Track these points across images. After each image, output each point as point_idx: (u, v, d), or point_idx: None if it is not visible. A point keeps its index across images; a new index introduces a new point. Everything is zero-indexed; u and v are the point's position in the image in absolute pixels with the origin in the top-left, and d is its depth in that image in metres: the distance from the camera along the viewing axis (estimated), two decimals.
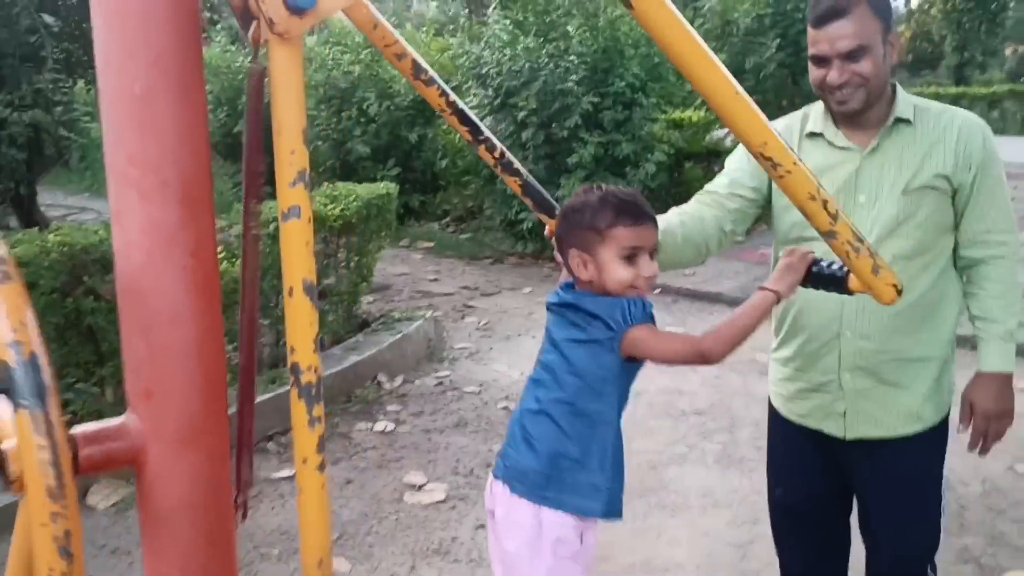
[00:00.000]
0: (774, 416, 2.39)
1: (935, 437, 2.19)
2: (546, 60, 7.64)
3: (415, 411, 4.56)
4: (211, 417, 1.24)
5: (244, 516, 1.42)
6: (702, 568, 3.19)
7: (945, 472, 2.23)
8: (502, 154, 1.59)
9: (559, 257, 1.78)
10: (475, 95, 8.18)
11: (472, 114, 1.53)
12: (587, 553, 1.74)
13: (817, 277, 1.62)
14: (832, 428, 2.19)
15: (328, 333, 5.20)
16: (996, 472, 3.89)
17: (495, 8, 8.43)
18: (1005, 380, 2.10)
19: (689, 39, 1.14)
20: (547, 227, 1.79)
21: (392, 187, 5.75)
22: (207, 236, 1.18)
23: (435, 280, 7.51)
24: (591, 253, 1.69)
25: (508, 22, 7.95)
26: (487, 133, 1.56)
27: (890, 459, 2.17)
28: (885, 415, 2.14)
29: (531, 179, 1.66)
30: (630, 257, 1.68)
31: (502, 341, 5.74)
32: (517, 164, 1.64)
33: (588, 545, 1.74)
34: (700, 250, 2.10)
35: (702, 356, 1.62)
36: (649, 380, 5.07)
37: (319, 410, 1.31)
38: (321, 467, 1.33)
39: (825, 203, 1.31)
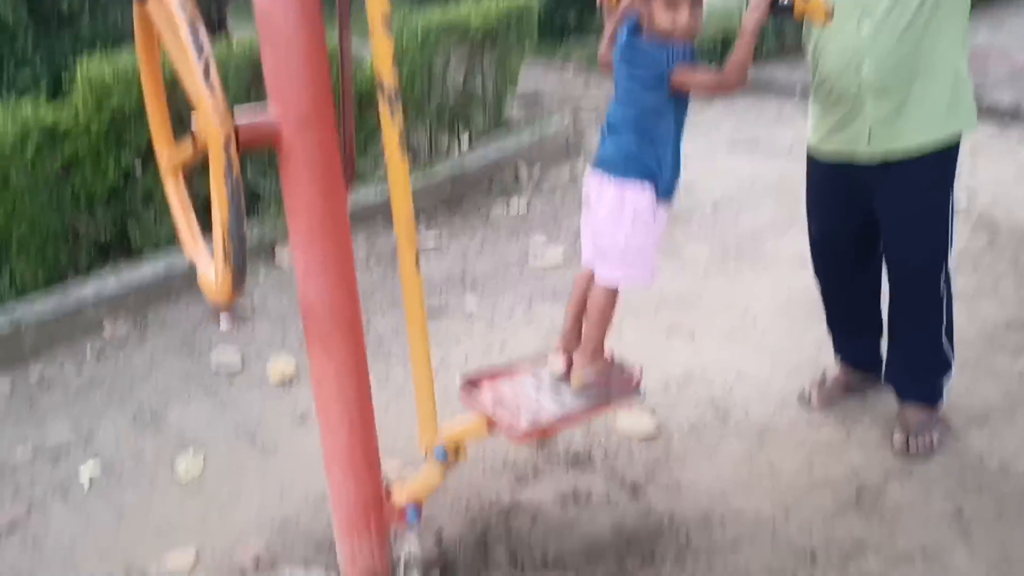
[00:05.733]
0: (811, 161, 2.79)
1: (945, 160, 2.54)
2: None
3: (547, 196, 5.15)
4: (318, 111, 1.87)
5: (351, 183, 2.06)
6: (776, 308, 3.67)
7: (953, 194, 2.59)
8: None
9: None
10: None
11: None
12: (658, 228, 2.27)
13: (776, 7, 2.19)
14: (860, 150, 2.57)
15: (475, 132, 5.81)
16: None
17: None
18: None
19: None
20: None
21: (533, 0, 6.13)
22: None
23: (584, 91, 7.90)
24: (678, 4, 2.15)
25: None
26: None
27: (903, 176, 2.54)
28: (904, 131, 2.49)
29: None
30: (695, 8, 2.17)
31: None
32: None
33: (659, 222, 2.27)
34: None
35: (720, 85, 2.19)
36: (768, 167, 5.41)
37: (398, 114, 1.93)
38: (402, 158, 1.97)
39: None
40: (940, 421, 2.78)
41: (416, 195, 4.97)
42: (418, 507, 2.16)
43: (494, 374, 2.43)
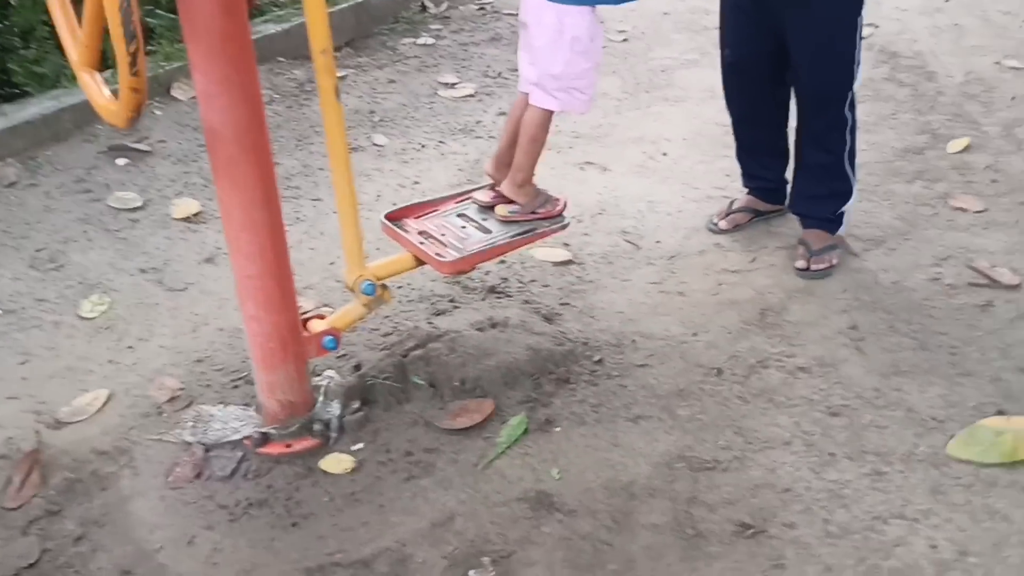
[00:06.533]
0: None
1: None
2: None
3: (455, 29, 4.99)
4: None
5: (252, 9, 1.95)
6: (687, 140, 3.69)
7: (861, 20, 2.60)
8: None
9: None
10: None
11: None
12: (595, 51, 2.21)
13: None
14: None
15: None
16: (983, 65, 4.18)
17: None
18: None
19: None
20: None
21: None
22: None
23: None
24: None
25: None
26: None
27: (810, 3, 2.54)
28: None
29: None
30: None
31: None
32: None
33: (596, 47, 2.21)
34: None
35: None
36: (681, 0, 5.33)
37: None
38: None
39: None
40: (840, 244, 2.88)
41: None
42: (336, 336, 2.17)
43: (417, 209, 2.39)
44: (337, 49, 4.67)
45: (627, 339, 2.55)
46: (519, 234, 2.28)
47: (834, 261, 2.81)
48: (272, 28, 4.49)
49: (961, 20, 4.77)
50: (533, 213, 2.32)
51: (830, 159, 2.78)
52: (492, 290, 2.75)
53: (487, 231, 2.28)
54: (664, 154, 3.61)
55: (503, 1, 5.37)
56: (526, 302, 2.70)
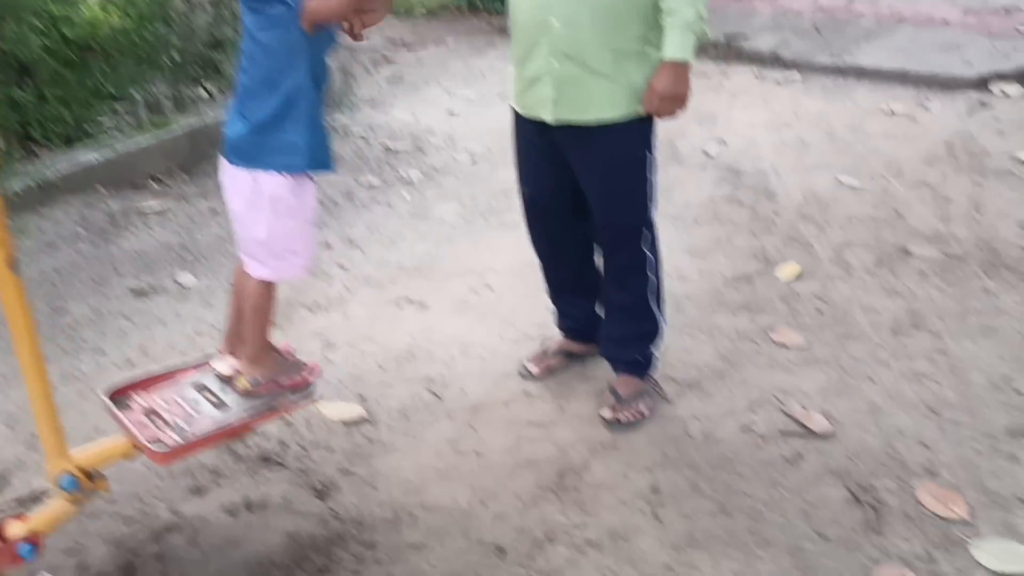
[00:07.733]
0: (514, 116, 2.61)
1: (637, 125, 2.41)
2: None
3: None
4: None
5: None
6: (515, 271, 3.51)
7: (651, 156, 2.47)
8: None
9: None
10: None
11: None
12: (304, 210, 2.00)
13: None
14: (545, 114, 2.41)
15: (224, 84, 5.36)
16: (822, 183, 4.14)
17: None
18: (681, 67, 2.29)
19: None
20: None
21: None
22: None
23: None
24: None
25: None
26: None
27: (594, 142, 2.40)
28: (588, 102, 2.35)
29: None
30: None
31: (408, 90, 5.88)
32: None
33: (305, 204, 2.00)
34: None
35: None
36: None
37: None
38: None
39: None
40: (652, 389, 2.70)
41: (147, 154, 4.58)
42: (35, 543, 1.86)
43: (148, 380, 2.13)
44: (168, 174, 4.45)
45: (407, 514, 2.29)
46: (258, 410, 2.03)
47: (643, 410, 2.62)
48: (92, 156, 4.25)
49: (807, 135, 4.78)
50: (276, 384, 2.08)
51: (632, 299, 2.61)
52: (265, 459, 2.47)
53: (224, 406, 2.03)
54: (489, 288, 3.42)
55: (356, 120, 5.23)
56: (302, 471, 2.43)
